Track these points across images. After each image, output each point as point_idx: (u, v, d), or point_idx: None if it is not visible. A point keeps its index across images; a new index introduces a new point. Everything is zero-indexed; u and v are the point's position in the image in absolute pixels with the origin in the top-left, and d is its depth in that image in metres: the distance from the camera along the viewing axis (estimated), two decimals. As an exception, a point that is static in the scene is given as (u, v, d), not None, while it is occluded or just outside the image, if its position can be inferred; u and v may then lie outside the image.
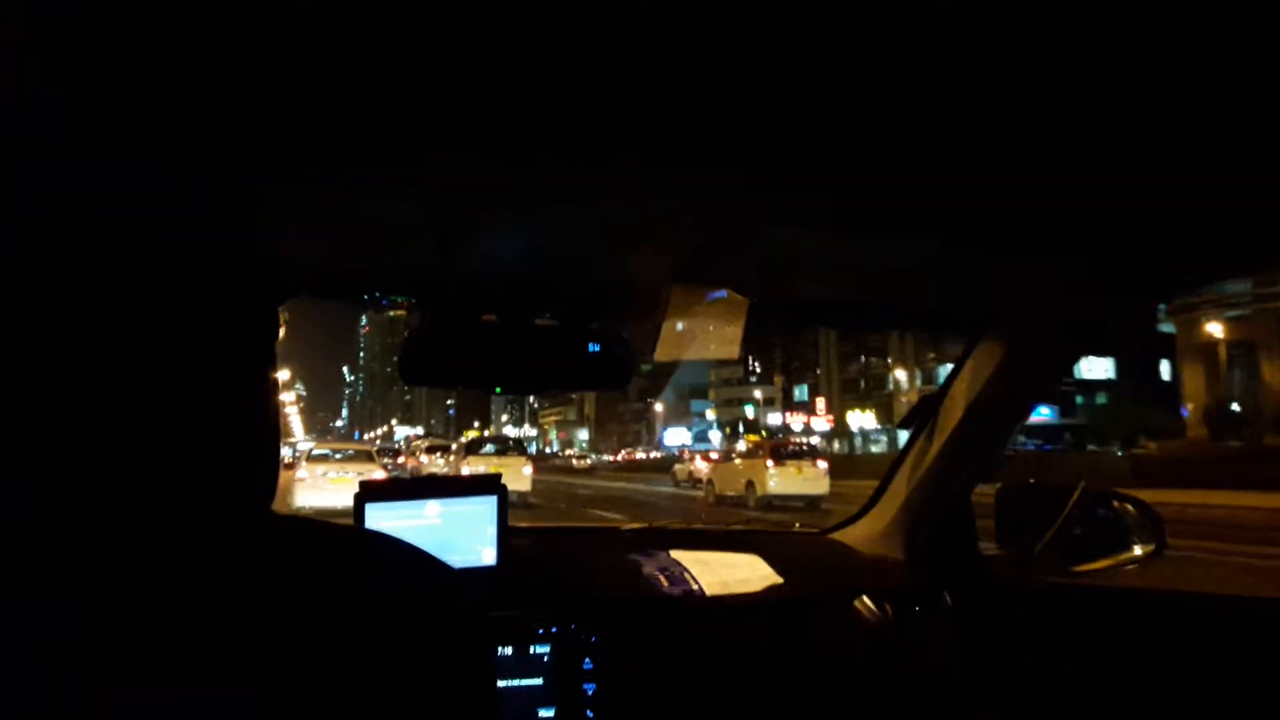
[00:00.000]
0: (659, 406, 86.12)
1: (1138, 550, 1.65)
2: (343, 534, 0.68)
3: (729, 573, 1.79)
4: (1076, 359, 1.78)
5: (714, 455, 30.64)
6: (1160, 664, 1.55)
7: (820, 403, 63.75)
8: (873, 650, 1.69)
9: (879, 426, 58.22)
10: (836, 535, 2.02)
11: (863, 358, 62.30)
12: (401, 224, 1.30)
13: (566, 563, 1.75)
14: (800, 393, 72.34)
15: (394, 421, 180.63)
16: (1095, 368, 46.66)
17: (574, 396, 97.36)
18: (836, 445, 58.28)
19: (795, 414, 68.36)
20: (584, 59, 0.81)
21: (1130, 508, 1.69)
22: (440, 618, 0.64)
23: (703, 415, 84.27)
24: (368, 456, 18.13)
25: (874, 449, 56.91)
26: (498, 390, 1.74)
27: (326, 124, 0.93)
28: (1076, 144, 1.00)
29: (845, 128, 0.97)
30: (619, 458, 70.95)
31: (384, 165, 1.06)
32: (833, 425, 61.59)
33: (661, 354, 1.84)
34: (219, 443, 0.55)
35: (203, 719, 0.51)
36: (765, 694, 1.63)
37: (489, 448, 22.62)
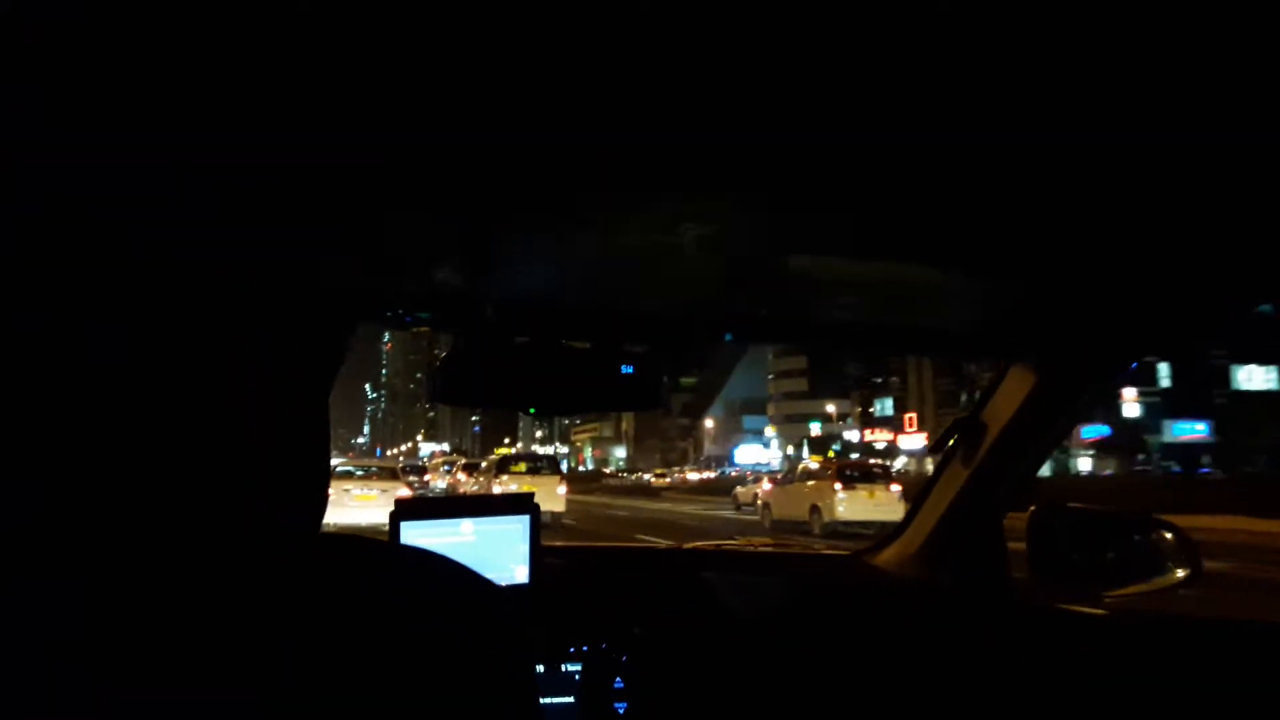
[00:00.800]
0: (709, 423, 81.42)
1: (1172, 577, 1.64)
2: (386, 549, 0.70)
3: (759, 594, 1.79)
4: (1110, 383, 1.77)
5: (772, 476, 28.44)
6: (1193, 691, 1.53)
7: (908, 418, 57.34)
8: (904, 674, 1.69)
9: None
10: (868, 558, 2.01)
11: (966, 365, 51.29)
12: (434, 245, 1.32)
13: (598, 582, 1.76)
14: (883, 407, 66.15)
15: (419, 437, 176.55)
16: (1255, 377, 39.90)
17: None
18: (931, 466, 51.01)
19: (876, 430, 62.67)
20: (603, 75, 0.82)
21: (1166, 534, 1.68)
22: (485, 630, 0.64)
23: (759, 433, 78.60)
24: (391, 474, 17.99)
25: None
26: (531, 411, 1.76)
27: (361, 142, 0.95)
28: (1104, 174, 1.01)
29: (868, 155, 0.98)
30: (671, 479, 61.45)
31: (414, 185, 1.07)
32: (929, 443, 53.32)
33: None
34: (268, 459, 0.56)
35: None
36: (794, 714, 1.63)
37: (521, 465, 21.43)
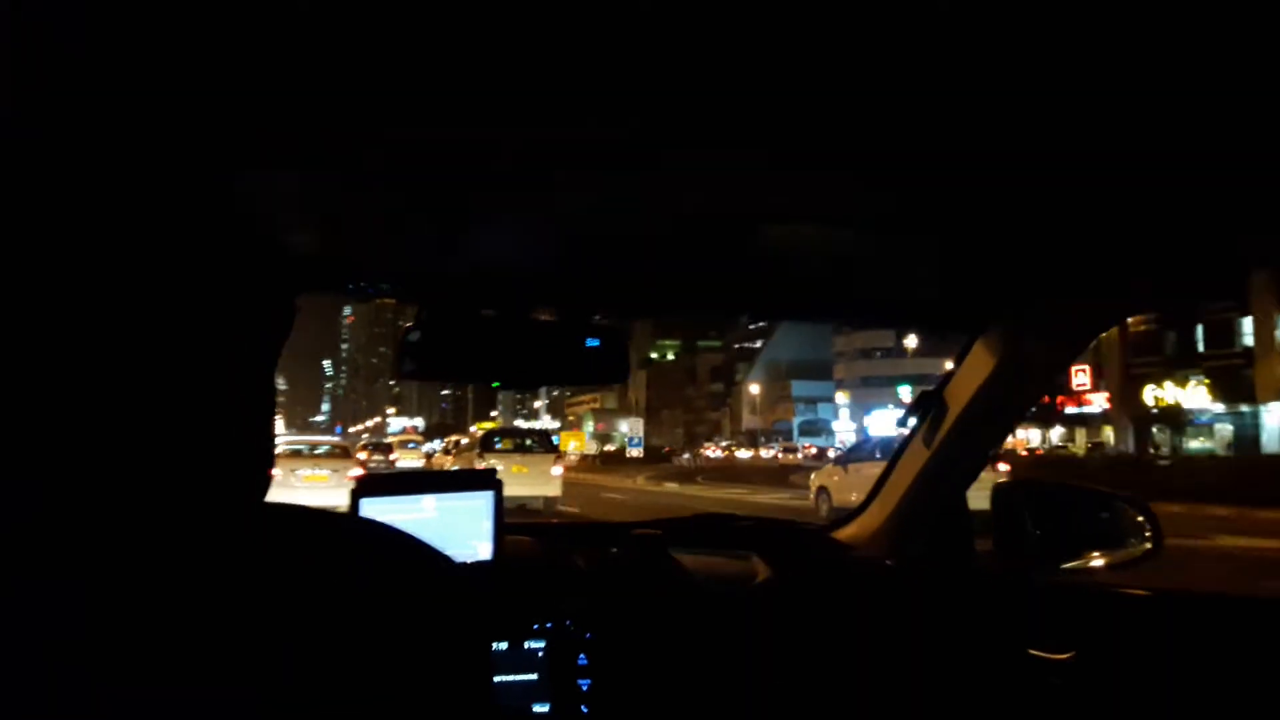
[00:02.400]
0: (753, 388, 63.83)
1: (1134, 550, 1.65)
2: (339, 522, 0.68)
3: (727, 568, 1.78)
4: (1076, 357, 1.78)
5: (831, 454, 24.04)
6: (1152, 661, 1.55)
7: (1081, 374, 34.28)
8: (866, 645, 1.69)
9: (1218, 408, 31.75)
10: (835, 533, 2.02)
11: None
12: (398, 217, 1.29)
13: (562, 559, 1.74)
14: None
15: (391, 411, 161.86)
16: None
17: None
18: (1112, 437, 34.66)
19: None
20: (587, 43, 0.80)
21: (1128, 509, 1.70)
22: (438, 605, 0.63)
23: (810, 401, 63.18)
24: (344, 453, 16.67)
25: (1197, 443, 32.30)
26: (495, 385, 1.73)
27: (317, 110, 0.92)
28: (1078, 147, 1.00)
29: (848, 124, 0.97)
30: (707, 453, 51.82)
31: (377, 153, 1.04)
32: (1114, 407, 34.82)
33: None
34: (211, 435, 0.54)
35: (202, 712, 0.50)
36: (759, 689, 1.63)
37: (508, 442, 17.95)
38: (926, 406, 1.86)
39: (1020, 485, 1.80)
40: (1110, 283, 1.50)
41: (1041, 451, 35.94)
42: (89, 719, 0.47)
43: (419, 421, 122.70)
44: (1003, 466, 13.27)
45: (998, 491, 1.76)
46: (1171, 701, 1.47)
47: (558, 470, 16.59)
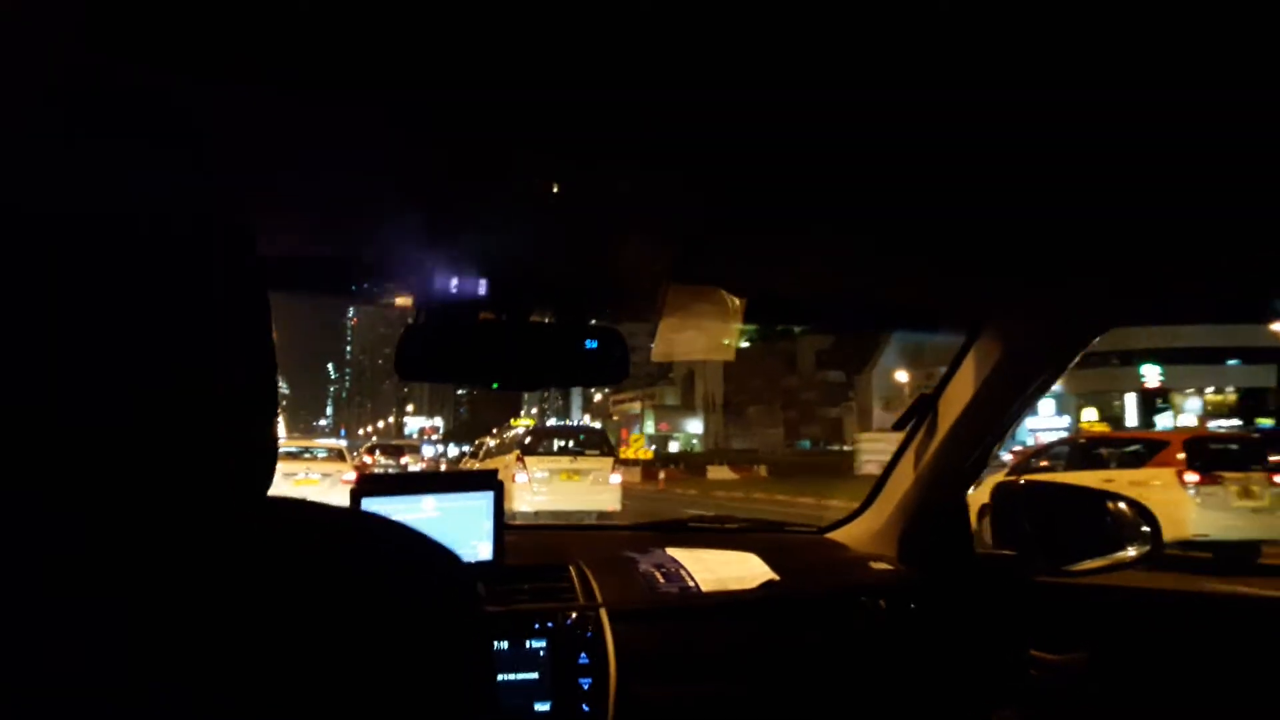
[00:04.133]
0: (901, 376, 41.47)
1: (1132, 551, 1.66)
2: (342, 516, 0.68)
3: (725, 570, 1.79)
4: (1073, 359, 1.79)
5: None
6: (1153, 661, 1.55)
7: None
8: (867, 647, 1.69)
9: None
10: (832, 535, 2.02)
11: None
12: (396, 216, 1.30)
13: (563, 559, 1.75)
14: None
15: (409, 408, 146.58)
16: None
17: (678, 370, 66.23)
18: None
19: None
20: (575, 48, 0.80)
21: (1126, 509, 1.70)
22: (441, 600, 0.63)
23: None
24: (339, 456, 16.29)
25: None
26: (495, 386, 1.74)
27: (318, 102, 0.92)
28: (1063, 153, 1.01)
29: (824, 123, 0.97)
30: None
31: (379, 147, 1.05)
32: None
33: (658, 354, 1.84)
34: (210, 426, 0.54)
35: (201, 708, 0.50)
36: (760, 690, 1.63)
37: (556, 441, 14.51)
38: (925, 408, 1.86)
39: (1020, 486, 1.80)
40: (1107, 282, 1.50)
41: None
42: (87, 716, 0.47)
43: (438, 421, 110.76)
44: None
45: (998, 492, 1.76)
46: (1175, 700, 1.47)
47: (616, 478, 13.42)
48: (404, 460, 24.71)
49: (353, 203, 1.24)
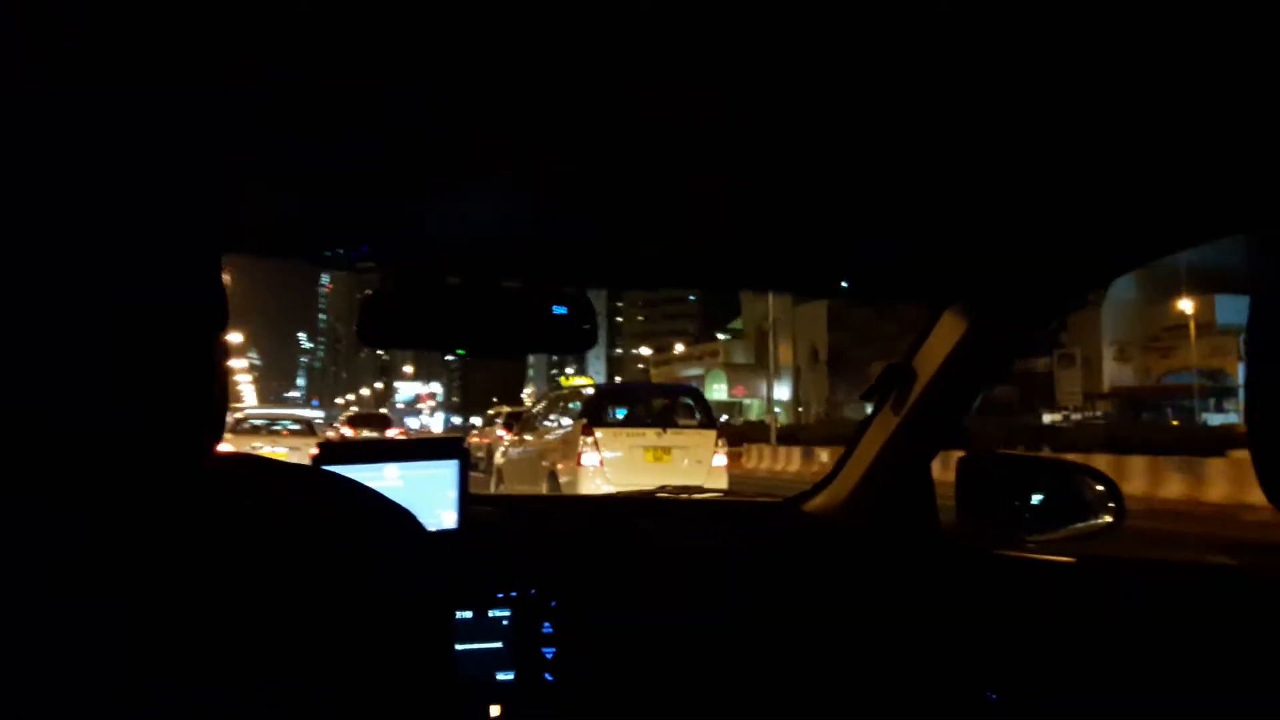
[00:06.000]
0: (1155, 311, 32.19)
1: (1096, 521, 1.67)
2: (300, 473, 0.67)
3: (691, 540, 1.79)
4: (1041, 331, 1.79)
5: None
6: (1115, 632, 1.57)
7: None
8: (831, 615, 1.70)
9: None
10: (800, 505, 2.02)
11: None
12: (361, 181, 1.27)
13: (529, 530, 1.74)
14: None
15: (408, 370, 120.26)
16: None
17: (747, 319, 55.07)
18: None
19: None
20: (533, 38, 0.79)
21: (1090, 479, 1.71)
22: (405, 564, 0.62)
23: None
24: (308, 429, 16.05)
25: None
26: (460, 352, 1.72)
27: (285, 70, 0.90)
28: (1030, 129, 1.00)
29: (811, 105, 0.96)
30: None
31: (343, 115, 1.02)
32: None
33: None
34: (153, 384, 0.52)
35: (161, 670, 0.50)
36: (724, 657, 1.63)
37: (638, 408, 10.64)
38: (894, 378, 1.86)
39: (985, 456, 1.81)
40: (1075, 256, 1.50)
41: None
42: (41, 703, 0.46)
43: (436, 387, 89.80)
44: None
45: (963, 462, 1.77)
46: (1130, 671, 1.48)
47: (720, 460, 9.90)
48: (391, 433, 21.76)
49: (319, 165, 1.22)
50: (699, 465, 9.58)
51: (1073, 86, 0.93)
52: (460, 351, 1.70)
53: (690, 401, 10.98)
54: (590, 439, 9.58)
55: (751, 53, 0.85)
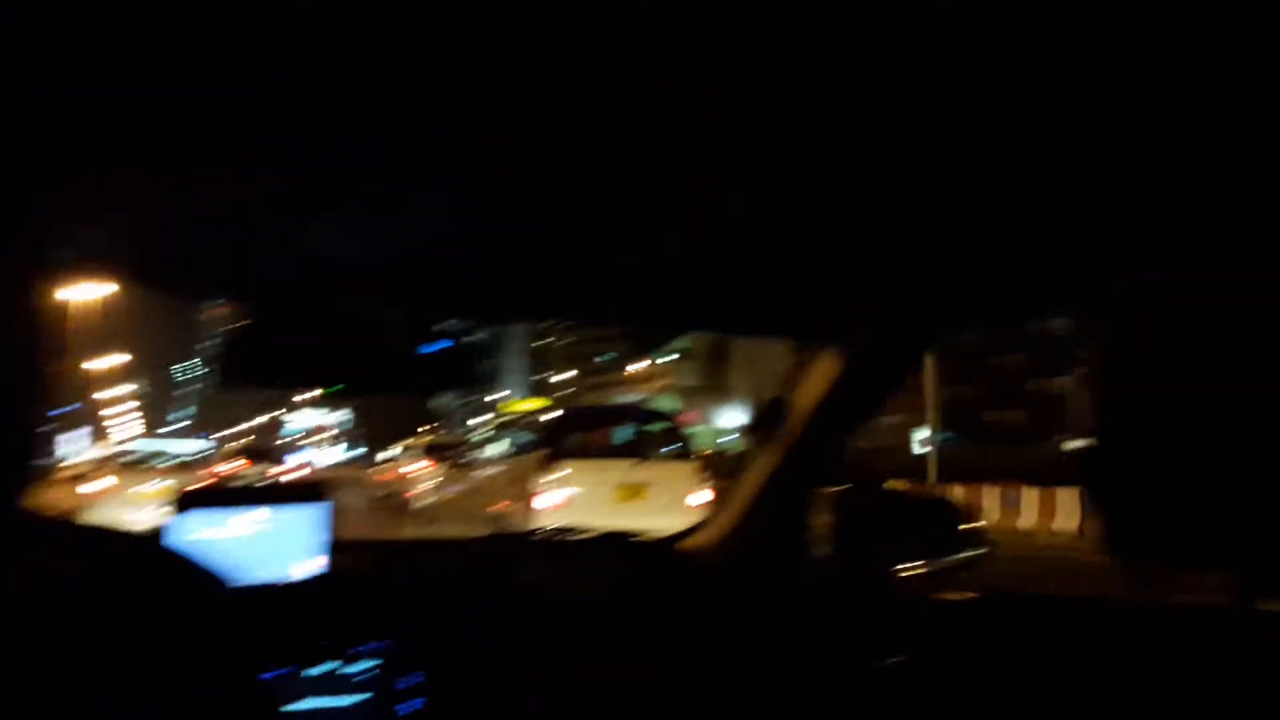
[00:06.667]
0: None
1: (960, 554, 1.72)
2: (103, 538, 0.64)
3: (567, 583, 1.76)
4: (917, 367, 1.84)
5: None
6: (989, 664, 1.60)
7: None
8: (700, 650, 1.70)
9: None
10: (678, 545, 2.02)
11: None
12: (228, 213, 1.22)
13: (398, 575, 1.69)
14: None
15: (304, 398, 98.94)
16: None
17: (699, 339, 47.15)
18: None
19: None
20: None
21: (958, 516, 1.76)
22: (208, 626, 0.62)
23: None
24: (191, 464, 15.05)
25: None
26: (339, 387, 1.68)
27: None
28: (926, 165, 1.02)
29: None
30: None
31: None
32: None
33: None
34: None
35: None
36: (592, 700, 1.61)
37: (601, 436, 9.30)
38: (775, 412, 1.88)
39: (856, 492, 1.85)
40: (940, 308, 1.55)
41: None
42: None
43: (336, 417, 69.64)
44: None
45: (835, 499, 1.80)
46: (1011, 706, 1.51)
47: (704, 497, 8.17)
48: (285, 466, 19.40)
49: (180, 203, 1.16)
50: (676, 502, 7.95)
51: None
52: (340, 387, 1.65)
53: (667, 429, 9.49)
54: (549, 472, 8.22)
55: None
